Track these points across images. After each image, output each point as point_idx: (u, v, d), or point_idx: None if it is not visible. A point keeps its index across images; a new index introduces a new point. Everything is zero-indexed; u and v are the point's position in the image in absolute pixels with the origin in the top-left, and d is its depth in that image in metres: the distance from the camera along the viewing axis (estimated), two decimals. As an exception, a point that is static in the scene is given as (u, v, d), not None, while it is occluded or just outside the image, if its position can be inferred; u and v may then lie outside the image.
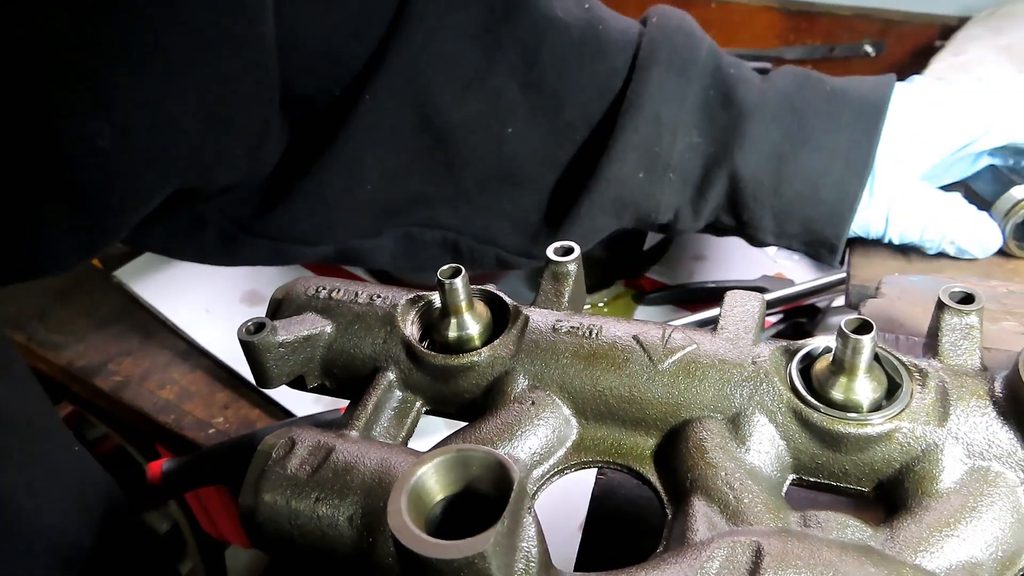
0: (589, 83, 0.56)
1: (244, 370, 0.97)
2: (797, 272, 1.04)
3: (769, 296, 0.96)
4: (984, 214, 0.60)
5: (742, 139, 0.54)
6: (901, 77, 1.23)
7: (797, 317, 0.97)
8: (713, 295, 1.02)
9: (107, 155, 0.44)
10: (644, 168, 0.55)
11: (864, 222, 0.57)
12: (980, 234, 0.58)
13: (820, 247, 0.59)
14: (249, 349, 0.44)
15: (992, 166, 0.63)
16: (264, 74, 0.49)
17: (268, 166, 0.55)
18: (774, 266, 1.06)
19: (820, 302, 0.96)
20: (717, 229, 0.63)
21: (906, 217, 0.56)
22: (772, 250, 1.09)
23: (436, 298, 0.45)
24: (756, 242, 0.64)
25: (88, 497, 0.54)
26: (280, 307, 0.47)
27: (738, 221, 0.59)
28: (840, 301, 0.94)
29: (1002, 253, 0.62)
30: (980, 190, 0.64)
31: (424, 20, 0.51)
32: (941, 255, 0.61)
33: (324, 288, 0.47)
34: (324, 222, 0.58)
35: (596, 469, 0.50)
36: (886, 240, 0.58)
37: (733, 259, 1.10)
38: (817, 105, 0.55)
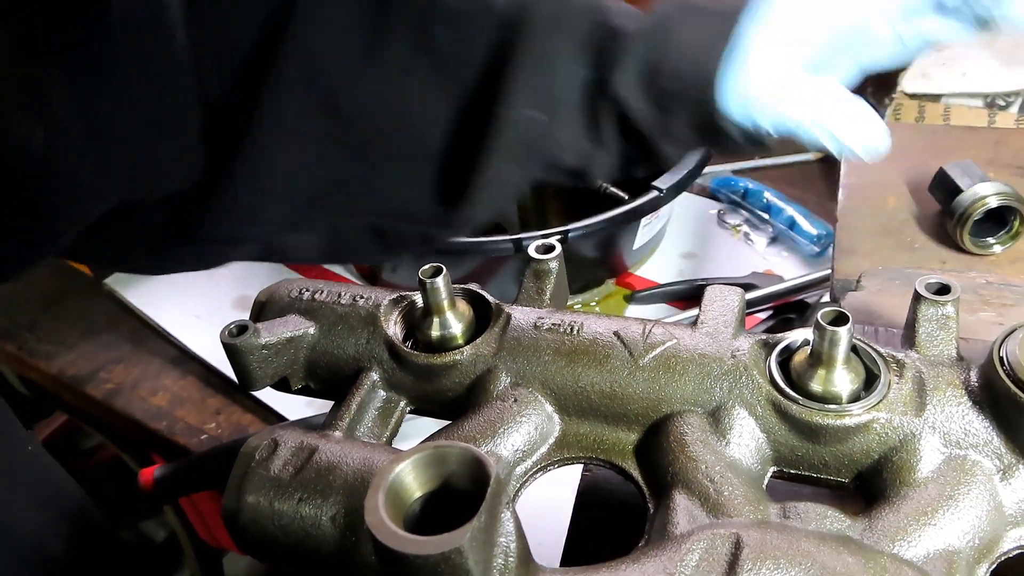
0: (477, 36, 0.56)
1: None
2: (786, 268, 1.05)
3: (758, 292, 0.96)
4: (870, 109, 0.55)
5: (619, 64, 0.54)
6: (889, 75, 1.23)
7: (786, 313, 0.97)
8: (703, 293, 1.02)
9: (42, 158, 0.45)
10: (538, 106, 0.55)
11: (742, 108, 0.54)
12: (865, 129, 0.53)
13: (712, 136, 0.57)
14: (232, 351, 0.44)
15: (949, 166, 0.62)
16: (186, 82, 0.50)
17: (200, 172, 0.55)
18: (764, 263, 1.07)
19: (809, 297, 0.97)
20: (631, 167, 0.61)
21: (782, 101, 0.53)
22: (761, 247, 1.10)
23: (418, 298, 0.45)
24: (666, 164, 0.60)
25: (45, 495, 0.55)
26: (264, 309, 0.47)
27: (640, 150, 0.58)
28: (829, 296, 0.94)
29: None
30: (938, 188, 0.64)
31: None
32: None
33: (307, 290, 0.47)
34: (242, 220, 0.58)
35: (581, 466, 0.50)
36: (765, 131, 0.55)
37: (723, 256, 1.10)
38: (688, 20, 0.55)
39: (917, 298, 0.39)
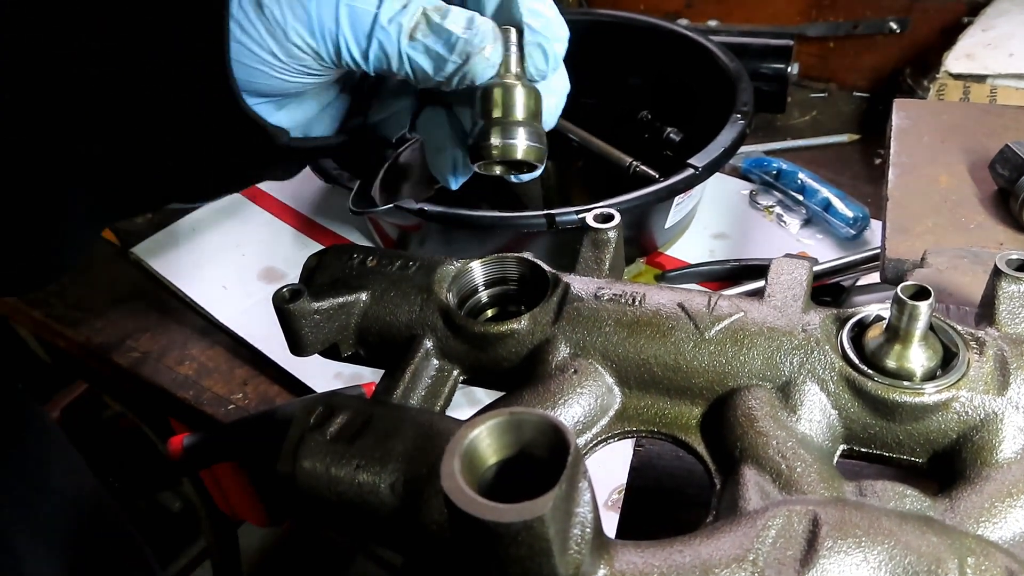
0: None
1: (263, 346, 0.97)
2: (820, 251, 1.03)
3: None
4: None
5: None
6: (929, 56, 1.21)
7: (822, 296, 0.95)
8: (735, 274, 1.01)
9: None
10: None
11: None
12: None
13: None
14: (285, 316, 0.43)
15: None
16: None
17: None
18: (797, 245, 1.05)
19: (845, 281, 0.95)
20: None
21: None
22: (795, 228, 1.08)
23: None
24: None
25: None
26: (314, 274, 0.46)
27: None
28: (866, 279, 0.92)
29: None
30: (1003, 166, 0.62)
31: None
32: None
33: (358, 254, 0.46)
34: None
35: (633, 441, 0.49)
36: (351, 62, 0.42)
37: (755, 238, 1.08)
38: None
39: (997, 274, 0.38)
